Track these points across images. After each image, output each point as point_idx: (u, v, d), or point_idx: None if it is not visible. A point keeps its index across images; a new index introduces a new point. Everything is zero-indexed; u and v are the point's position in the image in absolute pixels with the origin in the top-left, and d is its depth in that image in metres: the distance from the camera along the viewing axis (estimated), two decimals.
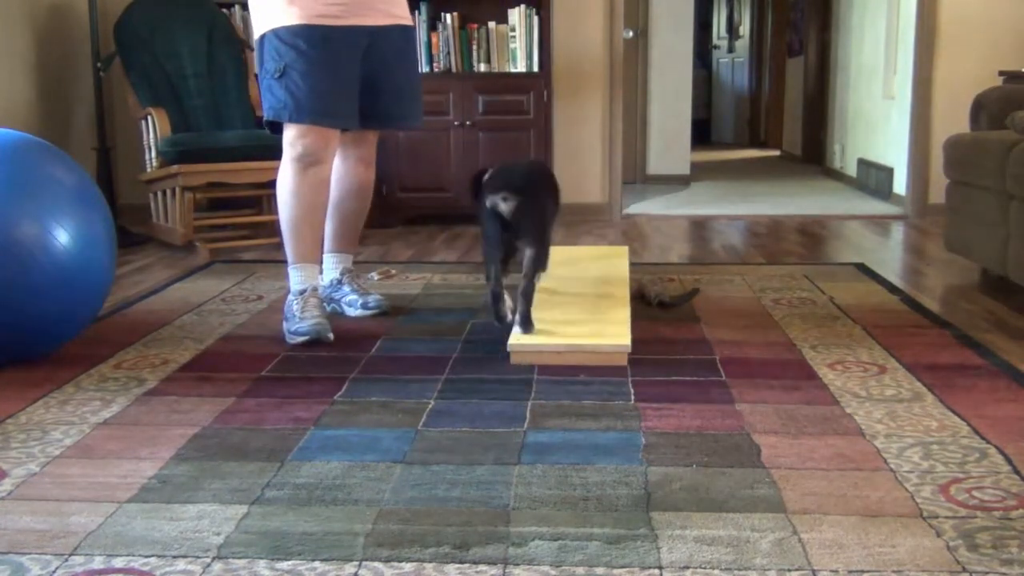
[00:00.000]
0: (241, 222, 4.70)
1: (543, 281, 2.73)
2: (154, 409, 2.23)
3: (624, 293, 3.06)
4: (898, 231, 5.03)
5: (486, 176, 2.66)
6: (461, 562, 1.50)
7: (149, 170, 4.52)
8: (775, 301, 3.28)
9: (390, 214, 5.08)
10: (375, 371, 2.52)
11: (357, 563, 1.50)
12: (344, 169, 3.04)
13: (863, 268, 3.86)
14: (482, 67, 5.14)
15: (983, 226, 3.47)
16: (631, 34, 6.61)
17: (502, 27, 5.10)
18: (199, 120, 4.65)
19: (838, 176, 7.48)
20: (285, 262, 2.92)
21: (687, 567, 1.48)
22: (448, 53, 5.12)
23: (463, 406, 2.23)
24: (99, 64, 4.72)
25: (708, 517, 1.65)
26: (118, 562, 1.51)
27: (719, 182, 7.53)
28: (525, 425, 2.10)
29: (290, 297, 2.86)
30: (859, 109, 6.97)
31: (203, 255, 4.22)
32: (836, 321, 3.00)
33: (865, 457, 1.91)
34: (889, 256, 4.36)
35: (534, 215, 2.62)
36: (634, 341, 2.58)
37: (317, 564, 1.50)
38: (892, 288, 3.49)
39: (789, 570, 1.47)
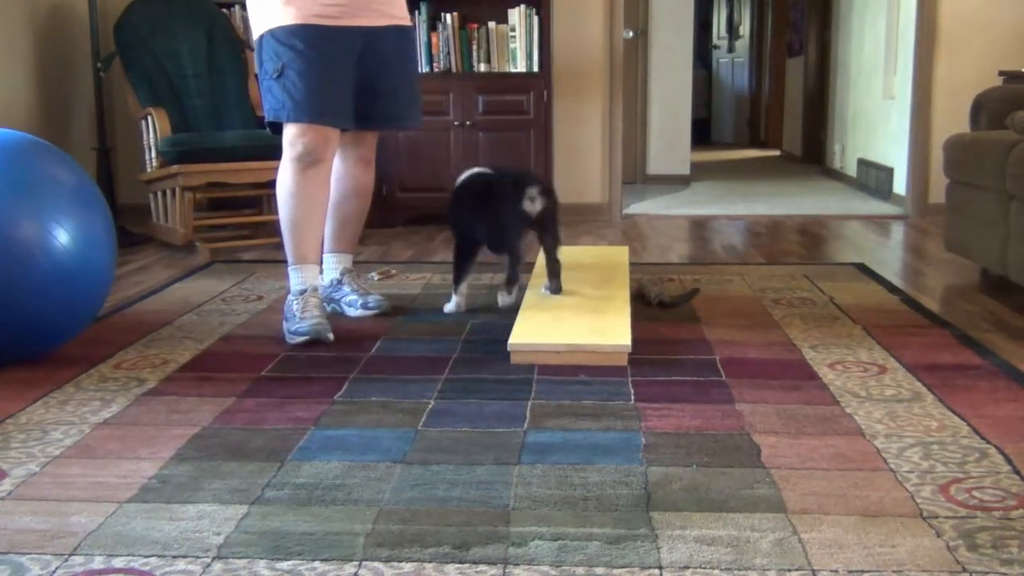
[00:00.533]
0: (241, 222, 4.70)
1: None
2: (154, 409, 2.23)
3: (624, 293, 3.06)
4: (898, 231, 5.03)
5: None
6: (461, 562, 1.50)
7: (149, 170, 4.52)
8: (775, 301, 3.28)
9: (390, 214, 5.08)
10: (375, 371, 2.52)
11: (357, 563, 1.50)
12: (344, 170, 3.04)
13: (863, 268, 3.86)
14: (482, 67, 5.14)
15: (983, 226, 3.47)
16: (631, 34, 6.61)
17: (502, 27, 5.10)
18: (199, 120, 4.65)
19: (838, 176, 7.48)
20: (285, 262, 2.92)
21: (687, 567, 1.48)
22: (448, 53, 5.12)
23: (463, 406, 2.23)
24: (99, 64, 4.72)
25: (708, 517, 1.65)
26: (118, 562, 1.51)
27: (719, 182, 7.53)
28: (525, 425, 2.10)
29: (290, 297, 2.85)
30: (859, 109, 6.97)
31: (203, 255, 4.22)
32: (836, 321, 3.00)
33: (865, 457, 1.91)
34: (889, 256, 4.36)
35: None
36: (634, 341, 2.58)
37: (317, 564, 1.50)
38: (892, 288, 3.49)
39: (789, 570, 1.47)
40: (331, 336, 2.76)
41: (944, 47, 5.30)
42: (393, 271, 3.85)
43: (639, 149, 7.36)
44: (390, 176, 5.08)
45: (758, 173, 8.29)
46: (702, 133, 11.17)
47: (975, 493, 1.74)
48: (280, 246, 2.98)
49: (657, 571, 1.47)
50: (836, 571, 1.47)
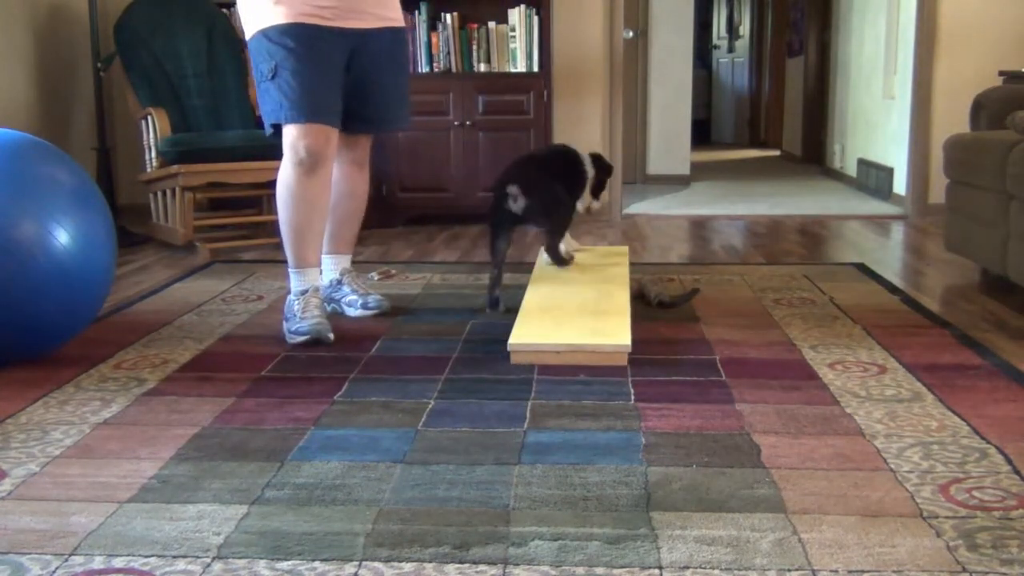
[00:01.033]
0: (241, 222, 4.71)
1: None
2: (154, 409, 2.23)
3: (624, 293, 3.06)
4: (898, 231, 5.03)
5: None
6: (461, 562, 1.50)
7: (149, 170, 4.52)
8: (775, 301, 3.28)
9: (390, 214, 5.09)
10: (375, 371, 2.52)
11: (357, 563, 1.50)
12: (339, 173, 3.02)
13: (863, 268, 3.86)
14: (482, 67, 5.14)
15: (983, 226, 3.47)
16: (631, 34, 6.61)
17: (502, 27, 5.10)
18: (199, 120, 4.65)
19: (838, 176, 7.48)
20: (285, 263, 2.92)
21: (687, 567, 1.48)
22: (448, 53, 5.12)
23: (463, 406, 2.23)
24: (99, 64, 4.72)
25: (708, 517, 1.65)
26: (118, 562, 1.51)
27: (719, 182, 7.53)
28: (525, 425, 2.10)
29: (290, 297, 2.85)
30: (859, 109, 6.98)
31: (203, 255, 4.22)
32: (836, 321, 3.00)
33: (865, 457, 1.91)
34: (889, 256, 4.36)
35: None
36: (634, 341, 2.58)
37: (317, 564, 1.50)
38: (892, 288, 3.49)
39: (789, 570, 1.47)
40: (331, 336, 2.76)
41: (944, 47, 5.30)
42: (393, 271, 3.85)
43: (639, 149, 7.36)
44: (390, 176, 5.08)
45: (758, 173, 8.29)
46: (702, 133, 11.17)
47: (975, 493, 1.74)
48: (280, 246, 2.98)
49: (657, 571, 1.47)
50: (836, 571, 1.47)
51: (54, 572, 1.48)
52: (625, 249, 3.88)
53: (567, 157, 3.44)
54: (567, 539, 1.57)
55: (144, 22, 4.68)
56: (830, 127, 7.96)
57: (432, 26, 5.12)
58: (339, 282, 3.13)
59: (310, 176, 2.78)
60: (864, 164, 6.71)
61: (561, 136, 5.33)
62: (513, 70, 5.11)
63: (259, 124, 3.73)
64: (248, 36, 2.81)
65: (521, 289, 3.16)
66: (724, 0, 12.06)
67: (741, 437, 2.02)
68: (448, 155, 5.10)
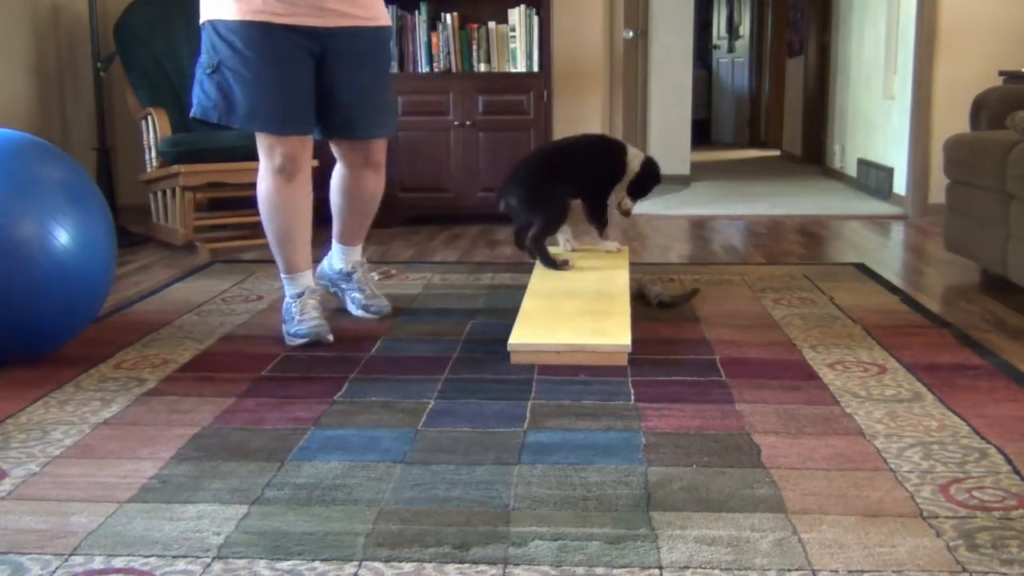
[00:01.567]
0: (241, 222, 4.70)
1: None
2: (154, 409, 2.23)
3: (624, 293, 3.06)
4: (898, 231, 5.03)
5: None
6: (461, 562, 1.50)
7: (149, 170, 4.52)
8: (775, 301, 3.28)
9: (390, 214, 5.08)
10: (375, 371, 2.52)
11: (357, 563, 1.50)
12: (352, 177, 2.94)
13: (863, 268, 3.86)
14: (482, 67, 5.14)
15: (983, 226, 3.47)
16: (631, 34, 6.60)
17: (502, 27, 5.10)
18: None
19: (838, 176, 7.48)
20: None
21: (687, 567, 1.48)
22: (448, 53, 5.12)
23: (463, 406, 2.23)
24: (99, 64, 4.72)
25: (708, 517, 1.65)
26: (118, 562, 1.51)
27: (719, 182, 7.53)
28: (525, 425, 2.10)
29: (287, 300, 2.84)
30: (859, 109, 6.97)
31: (203, 255, 4.22)
32: (836, 321, 3.00)
33: (865, 457, 1.91)
34: (889, 256, 4.36)
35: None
36: (634, 341, 2.58)
37: (317, 564, 1.50)
38: (892, 288, 3.49)
39: (789, 570, 1.47)
40: (331, 338, 2.75)
41: (944, 47, 5.30)
42: (393, 271, 3.85)
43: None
44: (390, 176, 5.03)
45: (758, 173, 8.29)
46: (702, 133, 11.17)
47: (975, 493, 1.74)
48: None
49: (657, 571, 1.47)
50: (836, 571, 1.47)
51: (54, 572, 1.48)
52: (625, 249, 3.88)
53: (602, 147, 3.51)
54: (567, 539, 1.57)
55: (144, 22, 4.68)
56: (830, 127, 7.96)
57: (432, 26, 5.12)
58: (349, 274, 3.09)
59: (290, 183, 2.73)
60: (864, 164, 6.71)
61: (561, 135, 5.32)
62: (513, 70, 5.11)
63: None
64: (201, 20, 2.68)
65: (521, 289, 3.16)
66: (724, 0, 12.06)
67: (741, 437, 2.02)
68: (448, 155, 5.10)
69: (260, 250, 4.35)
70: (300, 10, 2.60)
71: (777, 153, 10.06)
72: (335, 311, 3.16)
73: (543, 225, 3.32)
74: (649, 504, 1.70)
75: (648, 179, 3.51)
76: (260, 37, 2.59)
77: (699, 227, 5.24)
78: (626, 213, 3.59)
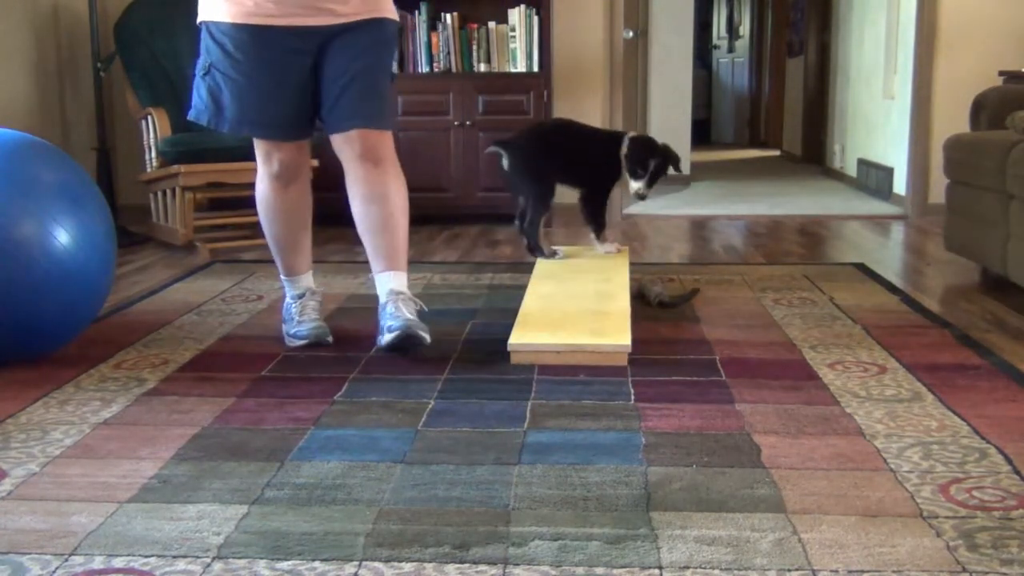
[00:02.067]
0: (241, 222, 4.70)
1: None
2: (154, 409, 2.23)
3: (624, 293, 3.06)
4: (898, 231, 5.03)
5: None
6: (461, 562, 1.50)
7: (149, 170, 4.52)
8: (775, 301, 3.28)
9: None
10: (375, 371, 2.52)
11: (357, 563, 1.50)
12: (353, 176, 2.64)
13: (863, 268, 3.86)
14: (482, 67, 5.14)
15: (983, 226, 3.47)
16: (631, 34, 6.60)
17: (502, 27, 5.10)
18: None
19: (838, 176, 7.48)
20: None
21: (687, 567, 1.48)
22: (448, 53, 5.12)
23: (463, 406, 2.23)
24: (99, 64, 4.72)
25: (708, 517, 1.65)
26: (118, 562, 1.51)
27: (719, 182, 7.53)
28: (525, 425, 2.10)
29: (287, 301, 2.85)
30: (859, 109, 6.98)
31: (203, 255, 4.22)
32: (836, 321, 3.00)
33: (865, 457, 1.91)
34: (889, 256, 4.36)
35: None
36: (634, 341, 2.58)
37: (317, 564, 1.50)
38: (892, 288, 3.49)
39: (789, 570, 1.47)
40: (330, 339, 2.75)
41: (944, 47, 5.30)
42: None
43: None
44: None
45: (758, 173, 8.29)
46: (702, 133, 11.17)
47: (975, 493, 1.74)
48: None
49: (657, 571, 1.47)
50: (836, 571, 1.47)
51: (54, 572, 1.48)
52: (625, 249, 3.88)
53: (604, 143, 3.52)
54: (567, 539, 1.57)
55: (144, 22, 4.68)
56: (830, 127, 7.96)
57: (432, 26, 5.12)
58: (384, 307, 2.62)
59: (288, 190, 2.71)
60: (864, 164, 6.71)
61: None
62: (513, 70, 5.11)
63: None
64: (198, 20, 2.59)
65: (521, 289, 3.16)
66: (724, 0, 12.06)
67: (741, 437, 2.02)
68: (448, 155, 5.10)
69: (260, 250, 4.34)
70: (293, 10, 2.49)
71: (777, 153, 10.06)
72: (336, 311, 3.16)
73: (533, 210, 3.47)
74: (649, 504, 1.70)
75: (638, 155, 3.46)
76: (252, 41, 2.51)
77: (699, 227, 5.24)
78: (640, 197, 3.56)
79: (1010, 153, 3.20)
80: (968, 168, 3.60)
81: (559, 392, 2.32)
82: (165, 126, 4.35)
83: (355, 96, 2.58)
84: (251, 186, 4.45)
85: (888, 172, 6.06)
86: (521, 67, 5.10)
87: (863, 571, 1.47)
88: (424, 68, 5.12)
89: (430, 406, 2.23)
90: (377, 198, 2.64)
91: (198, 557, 1.52)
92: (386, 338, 2.55)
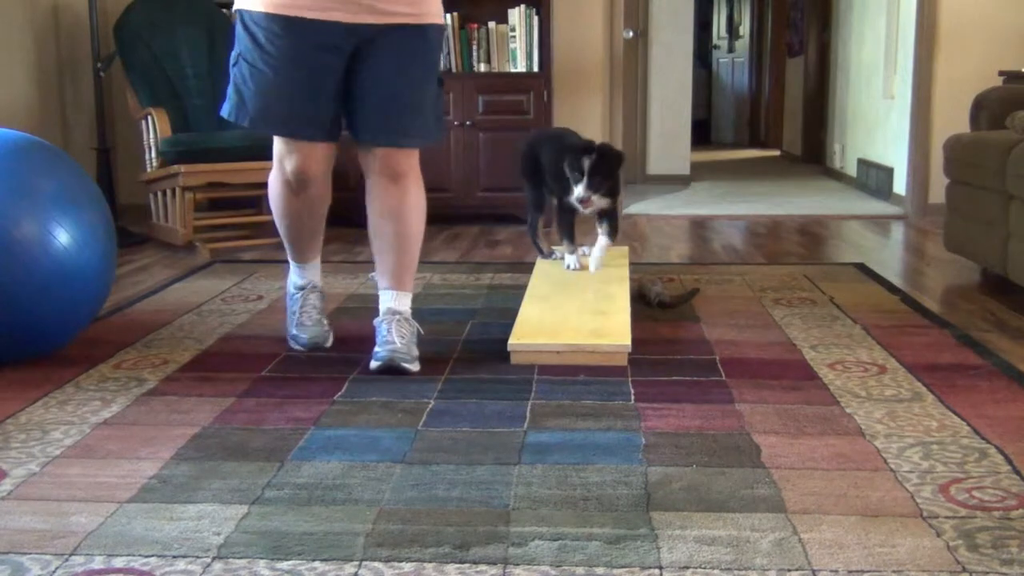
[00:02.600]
0: (241, 222, 4.70)
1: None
2: (154, 409, 2.23)
3: (624, 293, 3.06)
4: (898, 231, 5.03)
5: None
6: (461, 562, 1.50)
7: (149, 170, 4.52)
8: (775, 301, 3.28)
9: None
10: (375, 371, 2.51)
11: (357, 563, 1.50)
12: (371, 189, 2.58)
13: (863, 268, 3.86)
14: (482, 67, 5.14)
15: (983, 226, 3.47)
16: (631, 34, 6.61)
17: (502, 27, 5.10)
18: (199, 120, 4.65)
19: (838, 176, 7.49)
20: (286, 261, 2.90)
21: (687, 567, 1.48)
22: (448, 53, 5.12)
23: (463, 406, 2.23)
24: (99, 64, 4.72)
25: (708, 517, 1.65)
26: (118, 562, 1.51)
27: (719, 182, 7.53)
28: (525, 425, 2.10)
29: (291, 291, 2.78)
30: (859, 109, 6.98)
31: (203, 255, 4.22)
32: (836, 321, 3.00)
33: (865, 457, 1.91)
34: (889, 256, 4.36)
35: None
36: (634, 341, 2.58)
37: (317, 564, 1.50)
38: (892, 288, 3.49)
39: (789, 570, 1.47)
40: (329, 342, 2.73)
41: (944, 47, 5.30)
42: None
43: (639, 149, 7.36)
44: None
45: (758, 173, 8.29)
46: (702, 133, 11.17)
47: (975, 493, 1.74)
48: (280, 246, 2.97)
49: (657, 571, 1.47)
50: (836, 571, 1.47)
51: (54, 572, 1.48)
52: (625, 249, 3.88)
53: (563, 146, 3.36)
54: (567, 539, 1.57)
55: (144, 22, 4.68)
56: (830, 127, 7.96)
57: None
58: (379, 325, 2.59)
59: (299, 194, 2.58)
60: (864, 164, 6.71)
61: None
62: (513, 70, 5.11)
63: None
64: (234, 7, 2.49)
65: (521, 289, 3.17)
66: (724, 0, 12.06)
67: (741, 437, 2.02)
68: (448, 155, 5.10)
69: (260, 250, 4.35)
70: (332, 4, 2.34)
71: (777, 153, 10.06)
72: (336, 311, 3.16)
73: (529, 213, 3.64)
74: (649, 504, 1.70)
75: (599, 163, 3.15)
76: (283, 32, 2.36)
77: (699, 227, 5.24)
78: (580, 202, 3.19)
79: (1010, 153, 3.20)
80: (968, 168, 3.60)
81: (559, 392, 2.32)
82: (165, 126, 4.35)
83: (389, 113, 2.48)
84: (251, 186, 4.51)
85: (888, 172, 6.06)
86: (521, 67, 5.11)
87: (863, 571, 1.47)
88: None
89: (430, 406, 2.23)
90: (393, 216, 2.57)
91: (198, 557, 1.52)
92: (372, 364, 2.52)
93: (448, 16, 5.08)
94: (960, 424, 2.09)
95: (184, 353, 2.69)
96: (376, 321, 2.61)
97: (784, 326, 2.94)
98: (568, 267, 3.38)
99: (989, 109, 3.74)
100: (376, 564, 1.50)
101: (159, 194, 4.52)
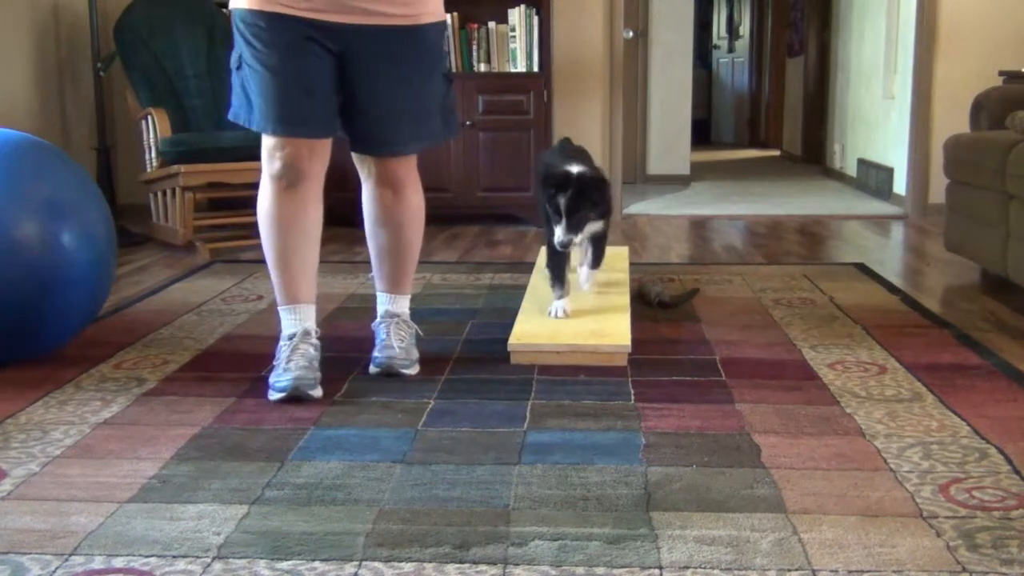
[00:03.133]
0: (241, 222, 4.70)
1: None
2: (154, 409, 2.23)
3: (624, 293, 3.06)
4: (898, 231, 5.03)
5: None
6: (461, 562, 1.50)
7: (149, 170, 4.52)
8: (775, 301, 3.28)
9: None
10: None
11: (357, 563, 1.50)
12: (367, 194, 2.52)
13: (863, 268, 3.86)
14: (482, 67, 5.14)
15: (983, 226, 3.47)
16: (631, 34, 6.61)
17: (502, 27, 5.10)
18: (199, 120, 4.65)
19: (838, 176, 7.48)
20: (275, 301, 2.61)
21: (687, 567, 1.48)
22: (448, 53, 5.12)
23: (463, 406, 2.23)
24: (99, 64, 4.72)
25: (708, 517, 1.65)
26: (118, 562, 1.51)
27: (719, 182, 7.53)
28: (525, 425, 2.10)
29: (280, 343, 2.40)
30: (859, 109, 6.98)
31: (203, 255, 4.22)
32: (836, 321, 3.00)
33: (865, 457, 1.91)
34: (889, 256, 4.36)
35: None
36: (634, 341, 2.58)
37: (317, 564, 1.50)
38: (892, 288, 3.49)
39: (789, 570, 1.47)
40: (315, 393, 2.29)
41: (944, 47, 5.30)
42: None
43: (639, 149, 7.36)
44: None
45: (758, 173, 8.29)
46: (702, 133, 11.18)
47: (975, 493, 1.74)
48: None
49: (657, 571, 1.47)
50: (836, 571, 1.47)
51: (54, 572, 1.48)
52: (625, 249, 3.88)
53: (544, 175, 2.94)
54: (567, 539, 1.57)
55: (144, 22, 4.68)
56: (830, 127, 7.96)
57: None
58: (377, 328, 2.58)
59: (288, 194, 2.33)
60: (864, 164, 6.71)
61: (561, 136, 5.32)
62: (513, 70, 5.11)
63: None
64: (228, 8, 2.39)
65: (521, 289, 3.16)
66: (724, 0, 12.06)
67: (741, 437, 2.02)
68: (448, 155, 5.10)
69: (260, 250, 4.34)
70: (320, 5, 2.24)
71: (777, 153, 10.06)
72: (336, 311, 3.16)
73: (546, 236, 2.91)
74: (649, 504, 1.70)
75: (549, 192, 2.76)
76: (269, 27, 2.25)
77: (699, 227, 5.24)
78: (563, 246, 2.74)
79: (1010, 153, 3.20)
80: (968, 168, 3.60)
81: (559, 392, 2.32)
82: (165, 126, 4.35)
83: (388, 126, 2.40)
84: (251, 186, 4.48)
85: (888, 172, 6.06)
86: (521, 67, 5.11)
87: (863, 571, 1.47)
88: None
89: (430, 406, 2.23)
90: (391, 224, 2.52)
91: (198, 557, 1.52)
92: (371, 369, 2.51)
93: (448, 16, 5.08)
94: (960, 424, 2.09)
95: (184, 353, 2.69)
96: (374, 324, 2.59)
97: (784, 326, 2.94)
98: (552, 314, 2.82)
99: (989, 109, 3.74)
100: (376, 564, 1.50)
101: (159, 194, 4.52)
